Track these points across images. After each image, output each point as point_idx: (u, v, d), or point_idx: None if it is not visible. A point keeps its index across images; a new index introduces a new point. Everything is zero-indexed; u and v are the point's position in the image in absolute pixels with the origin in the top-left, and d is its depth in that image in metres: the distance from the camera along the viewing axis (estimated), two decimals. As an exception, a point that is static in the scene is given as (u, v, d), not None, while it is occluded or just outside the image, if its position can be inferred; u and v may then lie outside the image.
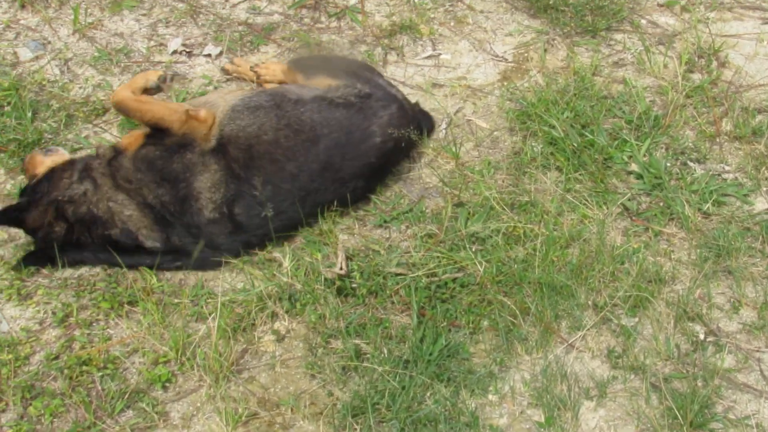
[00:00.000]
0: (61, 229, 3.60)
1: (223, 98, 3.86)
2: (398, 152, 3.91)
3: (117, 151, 3.73)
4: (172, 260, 3.61)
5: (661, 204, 3.95)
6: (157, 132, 3.73)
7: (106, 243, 3.58)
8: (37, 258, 3.60)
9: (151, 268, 3.57)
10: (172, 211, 3.60)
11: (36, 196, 3.62)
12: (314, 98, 3.87)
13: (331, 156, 3.71)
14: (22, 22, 4.62)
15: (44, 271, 3.59)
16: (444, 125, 4.25)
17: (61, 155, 3.82)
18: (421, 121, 4.07)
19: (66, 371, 3.24)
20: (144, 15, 4.72)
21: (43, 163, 3.75)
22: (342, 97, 3.88)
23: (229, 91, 4.11)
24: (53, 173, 3.68)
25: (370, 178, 3.84)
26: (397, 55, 4.61)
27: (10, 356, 3.26)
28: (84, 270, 3.61)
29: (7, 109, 4.09)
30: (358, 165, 3.76)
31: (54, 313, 3.44)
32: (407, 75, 4.53)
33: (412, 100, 4.29)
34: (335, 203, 3.75)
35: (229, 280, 3.60)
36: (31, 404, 3.15)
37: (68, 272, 3.60)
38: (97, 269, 3.60)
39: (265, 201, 3.59)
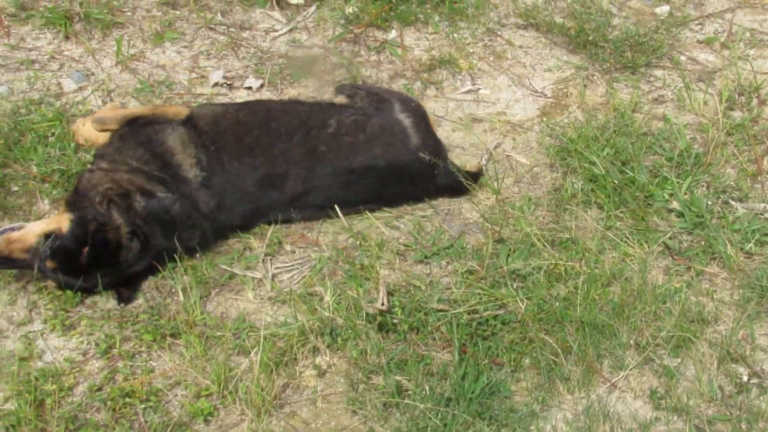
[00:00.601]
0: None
1: None
2: (359, 148, 3.94)
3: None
4: None
5: (703, 243, 3.96)
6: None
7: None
8: None
9: None
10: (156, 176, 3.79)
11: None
12: (290, 99, 4.21)
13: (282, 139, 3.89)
14: (66, 53, 4.69)
15: (87, 301, 3.63)
16: (484, 160, 4.29)
17: None
18: (435, 148, 4.06)
19: (109, 403, 3.25)
20: (185, 47, 4.79)
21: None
22: (318, 101, 4.16)
23: None
24: None
25: (327, 173, 3.89)
26: (437, 89, 4.66)
27: (54, 387, 3.27)
28: None
29: (52, 139, 4.14)
30: (310, 152, 3.88)
31: (97, 344, 3.47)
32: (447, 109, 4.58)
33: (453, 134, 4.38)
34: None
35: (270, 313, 3.62)
36: None
37: (111, 303, 3.63)
38: (140, 301, 3.65)
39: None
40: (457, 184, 4.04)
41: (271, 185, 3.87)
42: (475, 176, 4.11)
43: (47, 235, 3.51)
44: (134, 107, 4.18)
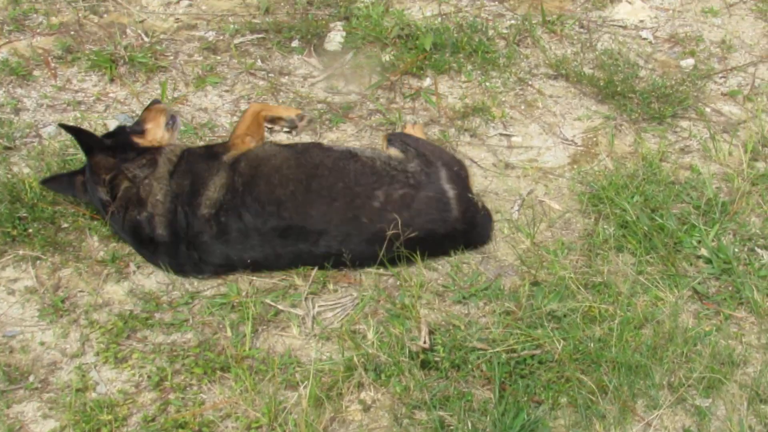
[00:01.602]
0: (110, 182, 4.04)
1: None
2: (402, 208, 3.96)
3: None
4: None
5: (731, 288, 4.04)
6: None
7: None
8: (59, 183, 4.16)
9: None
10: (185, 199, 4.03)
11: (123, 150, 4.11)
12: (346, 150, 4.18)
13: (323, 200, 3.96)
14: (111, 95, 4.87)
15: (138, 335, 3.76)
16: (517, 206, 4.42)
17: (172, 141, 4.33)
18: (480, 225, 4.19)
19: None
20: (227, 91, 4.96)
21: (155, 131, 4.29)
22: (372, 158, 4.10)
23: None
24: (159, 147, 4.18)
25: (360, 239, 3.96)
26: (471, 136, 4.79)
27: (110, 417, 3.39)
28: (176, 336, 3.77)
29: None
30: (352, 218, 3.94)
31: (149, 377, 3.57)
32: (480, 156, 4.70)
33: (486, 180, 4.51)
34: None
35: (315, 350, 3.73)
36: None
37: (161, 338, 3.76)
38: (189, 335, 3.77)
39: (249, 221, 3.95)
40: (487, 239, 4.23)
41: (300, 238, 3.96)
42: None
43: None
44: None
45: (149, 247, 4.00)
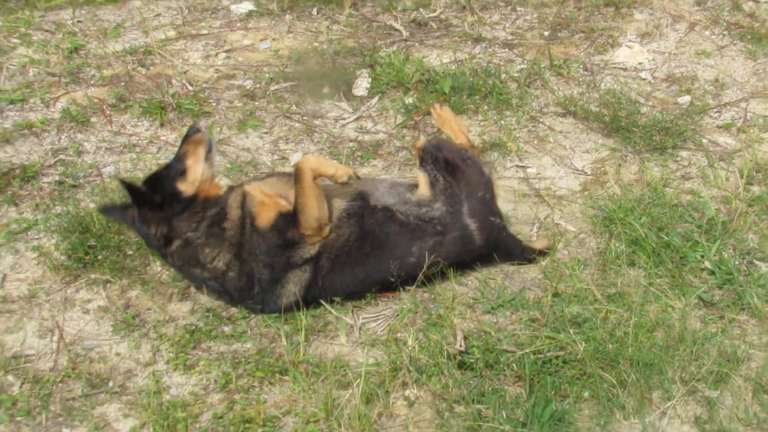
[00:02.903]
0: (162, 236, 4.12)
1: (336, 198, 4.26)
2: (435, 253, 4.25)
3: (247, 213, 4.14)
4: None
5: (733, 296, 4.25)
6: (288, 216, 4.10)
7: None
8: (114, 212, 4.26)
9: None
10: (263, 287, 4.13)
11: (178, 202, 4.13)
12: (384, 208, 4.30)
13: (374, 263, 4.25)
14: (162, 138, 5.10)
15: (203, 345, 4.00)
16: (535, 228, 4.67)
17: (212, 175, 4.28)
18: (504, 245, 4.43)
19: (232, 428, 3.59)
20: (266, 133, 5.20)
21: (195, 168, 4.18)
22: (406, 214, 4.30)
23: (336, 191, 4.39)
24: (206, 200, 4.17)
25: (399, 281, 4.24)
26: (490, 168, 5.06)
27: (184, 414, 3.62)
28: (237, 345, 4.01)
29: None
30: (392, 273, 4.20)
31: (216, 381, 3.81)
32: (499, 186, 4.84)
33: (506, 207, 4.70)
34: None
35: (362, 355, 3.97)
36: None
37: (224, 347, 3.99)
38: (248, 344, 4.03)
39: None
40: (514, 256, 4.46)
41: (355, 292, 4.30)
42: (543, 253, 4.48)
43: None
44: (318, 201, 4.13)
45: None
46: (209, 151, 4.21)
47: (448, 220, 4.32)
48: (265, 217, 4.14)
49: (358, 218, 4.26)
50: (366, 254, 4.25)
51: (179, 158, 4.19)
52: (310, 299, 4.20)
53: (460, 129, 4.77)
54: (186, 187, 4.14)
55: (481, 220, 4.36)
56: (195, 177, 4.15)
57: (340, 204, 4.25)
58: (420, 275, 4.24)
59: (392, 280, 4.21)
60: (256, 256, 4.14)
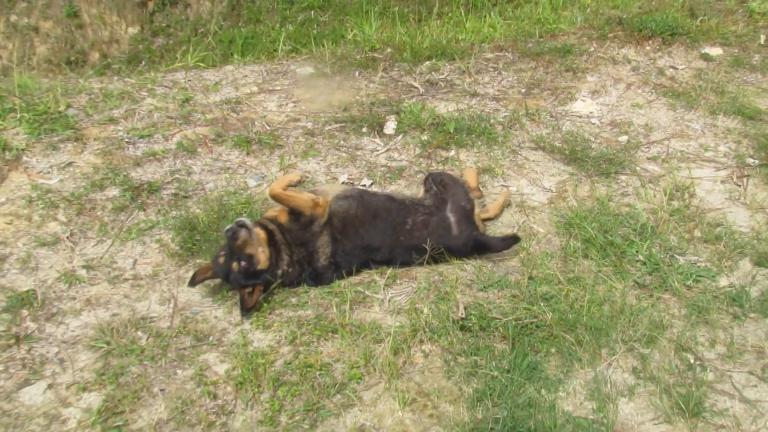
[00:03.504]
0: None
1: (332, 188, 4.39)
2: (422, 238, 4.21)
3: (275, 221, 4.14)
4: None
5: (659, 280, 4.23)
6: (295, 212, 4.17)
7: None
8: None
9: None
10: (306, 264, 4.14)
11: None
12: (386, 195, 4.34)
13: (379, 224, 4.21)
14: (248, 162, 5.10)
15: (276, 312, 4.00)
16: (515, 231, 4.64)
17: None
18: (479, 242, 4.31)
19: (298, 370, 3.62)
20: (321, 160, 5.18)
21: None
22: (403, 199, 4.32)
23: (333, 185, 4.67)
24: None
25: (401, 249, 4.24)
26: (482, 187, 5.01)
27: (263, 360, 3.65)
28: (300, 312, 4.00)
29: (245, 214, 4.52)
30: (395, 238, 4.20)
31: (285, 337, 3.81)
32: (488, 200, 4.91)
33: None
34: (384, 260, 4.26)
35: (390, 320, 3.96)
36: (278, 389, 3.53)
37: (291, 313, 3.99)
38: (309, 311, 4.01)
39: (349, 251, 4.18)
40: (493, 249, 4.39)
41: (371, 252, 4.26)
42: (515, 238, 4.40)
43: None
44: (298, 196, 4.21)
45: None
46: (250, 235, 3.99)
47: (434, 210, 4.31)
48: (283, 218, 4.21)
49: (357, 198, 4.27)
50: (371, 218, 4.22)
51: (241, 251, 3.98)
52: (338, 259, 4.19)
53: (474, 181, 4.81)
54: (260, 264, 4.03)
55: (458, 217, 4.32)
56: (264, 258, 4.04)
57: (335, 191, 4.33)
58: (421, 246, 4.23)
59: (394, 237, 4.22)
60: (292, 244, 4.15)
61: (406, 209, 4.28)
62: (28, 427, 3.40)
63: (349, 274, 4.26)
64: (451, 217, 4.31)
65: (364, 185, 5.01)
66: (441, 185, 4.50)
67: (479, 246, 4.39)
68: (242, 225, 3.95)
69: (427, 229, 4.26)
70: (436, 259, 4.31)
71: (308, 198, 4.18)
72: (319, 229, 4.17)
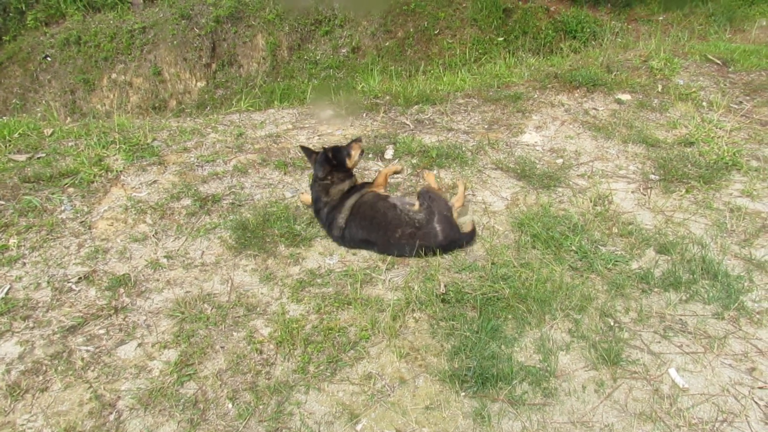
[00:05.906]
0: (324, 175, 4.20)
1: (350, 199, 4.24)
2: (407, 245, 4.06)
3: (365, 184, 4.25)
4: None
5: (588, 265, 4.15)
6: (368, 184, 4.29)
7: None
8: (309, 152, 4.24)
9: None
10: (329, 220, 4.16)
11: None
12: (392, 204, 4.22)
13: (378, 225, 4.12)
14: (285, 180, 5.02)
15: (306, 289, 3.90)
16: (480, 229, 4.58)
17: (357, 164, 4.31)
18: (458, 239, 4.14)
19: (322, 333, 3.55)
20: None
21: (355, 156, 4.26)
22: (402, 209, 4.19)
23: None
24: (348, 172, 4.25)
25: (392, 249, 4.10)
26: (453, 195, 4.95)
27: (297, 325, 3.58)
28: (324, 289, 3.91)
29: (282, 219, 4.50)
30: (386, 240, 4.06)
31: (313, 308, 3.74)
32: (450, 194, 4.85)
33: (463, 218, 4.57)
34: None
35: (390, 295, 3.89)
36: (308, 347, 3.46)
37: (317, 290, 3.90)
38: (330, 288, 3.92)
39: (353, 235, 4.10)
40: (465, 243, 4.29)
41: (369, 244, 4.19)
42: (473, 234, 4.31)
43: None
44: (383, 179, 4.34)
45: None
46: (362, 152, 4.23)
47: (425, 223, 4.15)
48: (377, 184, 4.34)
49: (373, 198, 4.17)
50: (373, 215, 4.09)
51: (349, 147, 4.15)
52: (345, 233, 4.11)
53: (433, 182, 4.73)
54: (348, 162, 4.16)
55: (443, 227, 4.19)
56: (354, 160, 4.18)
57: (351, 201, 4.25)
58: (415, 249, 4.13)
59: (385, 238, 4.09)
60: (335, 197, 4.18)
61: (399, 220, 4.04)
62: (123, 375, 3.35)
63: (351, 248, 4.22)
64: (438, 227, 4.17)
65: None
66: (429, 200, 4.36)
67: (455, 243, 4.30)
68: (360, 139, 4.24)
69: (413, 239, 4.13)
70: (425, 253, 4.22)
71: (384, 176, 4.30)
72: (343, 211, 4.11)
